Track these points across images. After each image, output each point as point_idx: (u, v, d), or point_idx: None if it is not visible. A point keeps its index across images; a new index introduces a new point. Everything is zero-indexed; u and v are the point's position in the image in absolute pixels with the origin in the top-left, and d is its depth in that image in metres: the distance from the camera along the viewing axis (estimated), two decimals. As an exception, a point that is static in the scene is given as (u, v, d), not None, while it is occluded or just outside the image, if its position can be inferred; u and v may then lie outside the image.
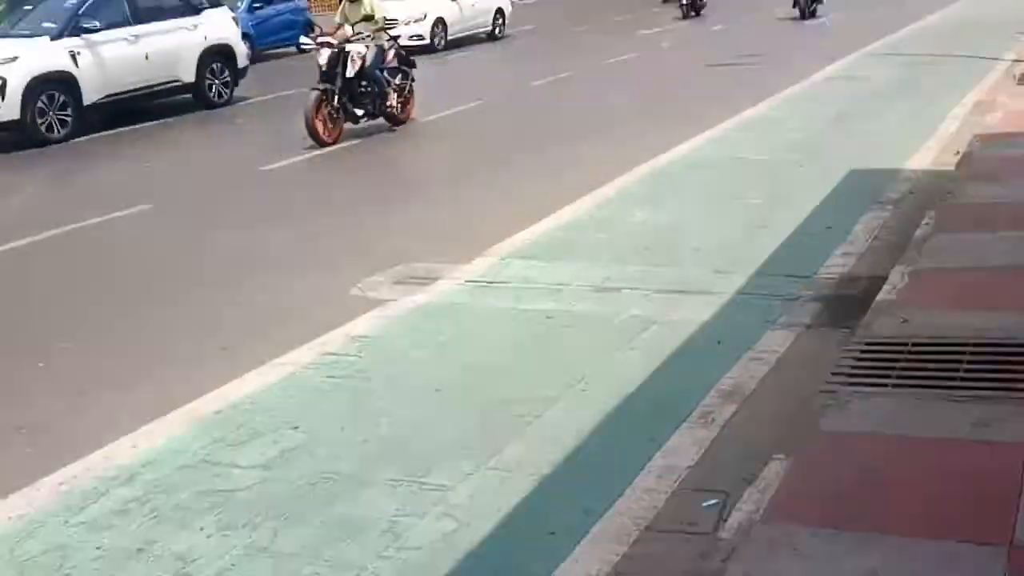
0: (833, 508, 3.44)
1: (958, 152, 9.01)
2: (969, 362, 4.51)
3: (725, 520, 3.63)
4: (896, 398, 4.24)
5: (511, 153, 11.75)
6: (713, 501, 4.02)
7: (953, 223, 6.64)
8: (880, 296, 5.52)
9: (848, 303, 6.09)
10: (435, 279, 7.29)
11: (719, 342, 5.76)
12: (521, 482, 4.33)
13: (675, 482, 4.24)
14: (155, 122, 15.88)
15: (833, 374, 4.62)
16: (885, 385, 4.40)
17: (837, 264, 6.89)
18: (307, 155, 12.29)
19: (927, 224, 6.69)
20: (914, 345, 4.77)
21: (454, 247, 7.95)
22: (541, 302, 6.62)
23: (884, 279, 5.97)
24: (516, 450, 4.62)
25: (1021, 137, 8.90)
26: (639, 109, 14.19)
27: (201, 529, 4.17)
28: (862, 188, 8.73)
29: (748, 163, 10.09)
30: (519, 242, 8.04)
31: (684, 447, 4.53)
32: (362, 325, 6.42)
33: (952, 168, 8.54)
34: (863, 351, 4.81)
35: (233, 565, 3.90)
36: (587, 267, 7.26)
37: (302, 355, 5.97)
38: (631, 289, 6.73)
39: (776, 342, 5.66)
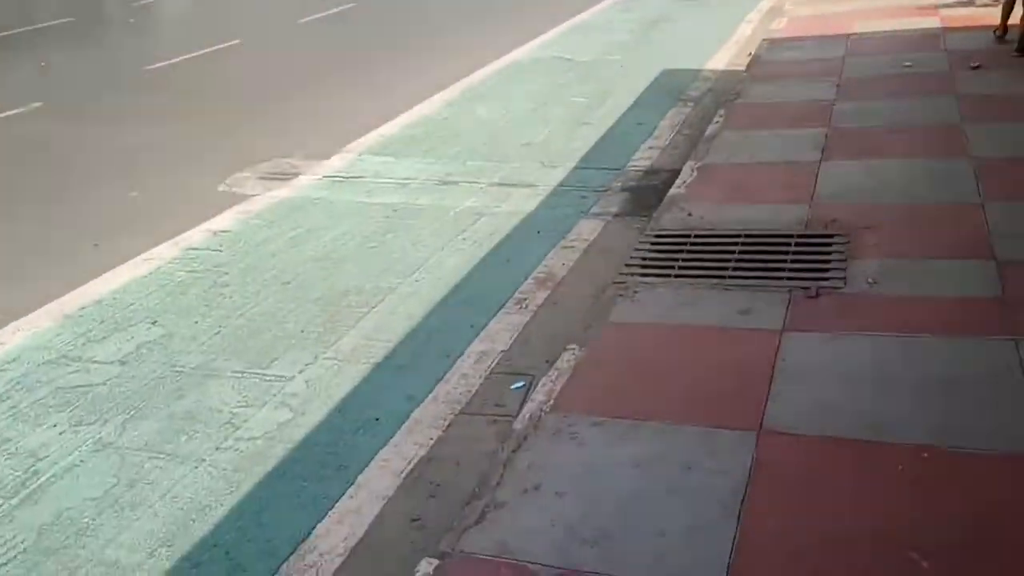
0: (612, 398, 3.22)
1: (750, 54, 8.74)
2: (740, 252, 4.31)
3: (523, 406, 3.38)
4: (676, 289, 4.01)
5: (377, 52, 10.97)
6: (520, 384, 3.76)
7: (738, 121, 6.39)
8: (671, 191, 5.26)
9: (650, 193, 5.83)
10: (297, 175, 6.71)
11: (538, 232, 5.43)
12: (353, 371, 3.99)
13: (489, 367, 3.96)
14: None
15: (626, 265, 4.36)
16: (668, 276, 4.17)
17: (644, 157, 6.60)
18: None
19: (717, 122, 6.43)
20: (696, 237, 4.53)
21: (320, 143, 7.37)
22: (390, 196, 6.16)
23: (680, 172, 5.73)
24: (352, 340, 4.25)
25: (800, 41, 8.64)
26: (489, 12, 13.41)
27: (55, 426, 3.71)
28: (670, 87, 8.39)
29: (577, 64, 9.59)
30: (376, 138, 7.48)
31: (500, 333, 4.24)
32: (225, 220, 5.85)
33: (744, 68, 8.28)
34: (652, 243, 4.56)
35: (81, 461, 3.47)
36: (432, 162, 6.79)
37: (167, 251, 5.40)
38: (468, 183, 6.32)
39: (587, 231, 5.37)
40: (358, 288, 4.78)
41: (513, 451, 2.95)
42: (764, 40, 8.86)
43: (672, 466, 2.79)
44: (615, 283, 4.17)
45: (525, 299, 4.57)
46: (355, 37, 12.32)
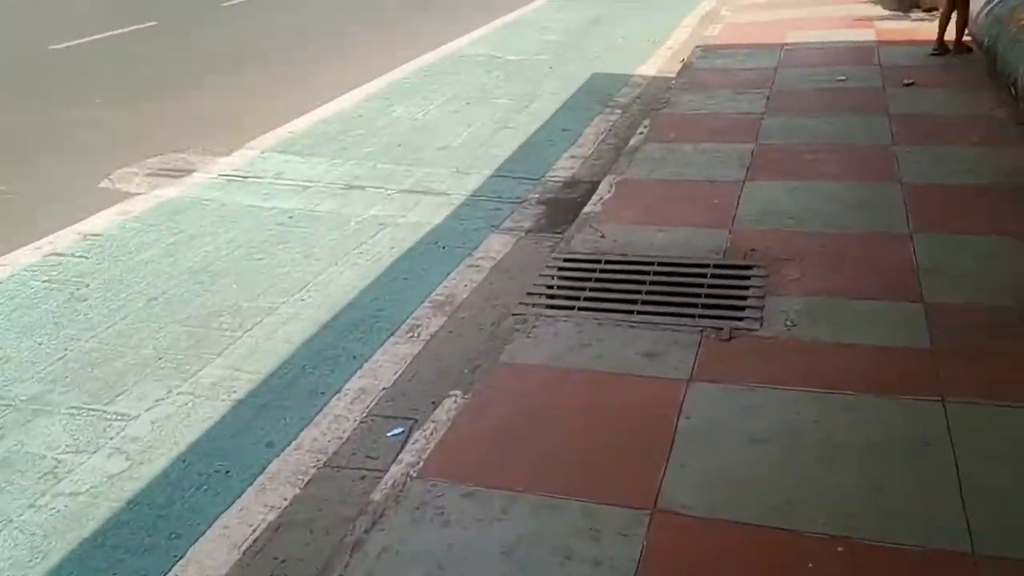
0: (491, 461, 2.74)
1: (683, 60, 8.35)
2: (651, 283, 3.87)
3: (389, 468, 2.87)
4: (579, 324, 3.55)
5: (300, 40, 10.32)
6: (399, 430, 3.27)
7: (664, 132, 5.96)
8: (586, 208, 4.80)
9: (567, 207, 5.37)
10: (191, 172, 6.10)
11: (443, 247, 4.93)
12: (210, 409, 3.44)
13: (367, 407, 3.45)
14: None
15: (528, 294, 3.89)
16: (572, 308, 3.71)
17: (564, 167, 6.14)
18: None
19: (642, 133, 6.00)
20: (606, 263, 4.08)
21: (223, 137, 6.76)
22: (288, 200, 5.59)
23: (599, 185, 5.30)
24: (215, 371, 3.70)
25: (733, 48, 8.28)
26: (426, 4, 12.83)
27: None
28: (599, 91, 7.96)
29: (506, 63, 9.09)
30: (284, 134, 6.90)
31: (384, 366, 3.73)
32: (99, 222, 5.22)
33: (675, 75, 7.87)
34: (560, 269, 4.09)
35: None
36: (340, 164, 6.24)
37: (26, 256, 4.77)
38: (375, 188, 5.79)
39: (496, 248, 4.89)
40: (234, 307, 4.22)
41: (366, 531, 2.45)
42: (697, 47, 8.47)
43: (548, 555, 2.32)
44: (513, 315, 3.69)
45: (419, 326, 4.07)
46: (280, 23, 11.64)
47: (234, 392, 3.55)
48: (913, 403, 2.90)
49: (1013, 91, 6.01)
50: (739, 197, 4.74)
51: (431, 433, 2.89)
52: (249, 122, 7.15)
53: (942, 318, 3.39)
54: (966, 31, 7.43)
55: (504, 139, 6.72)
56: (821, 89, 6.71)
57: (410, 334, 4.00)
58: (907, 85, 6.60)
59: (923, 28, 8.42)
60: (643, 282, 3.88)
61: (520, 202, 5.57)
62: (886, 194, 4.67)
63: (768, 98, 6.52)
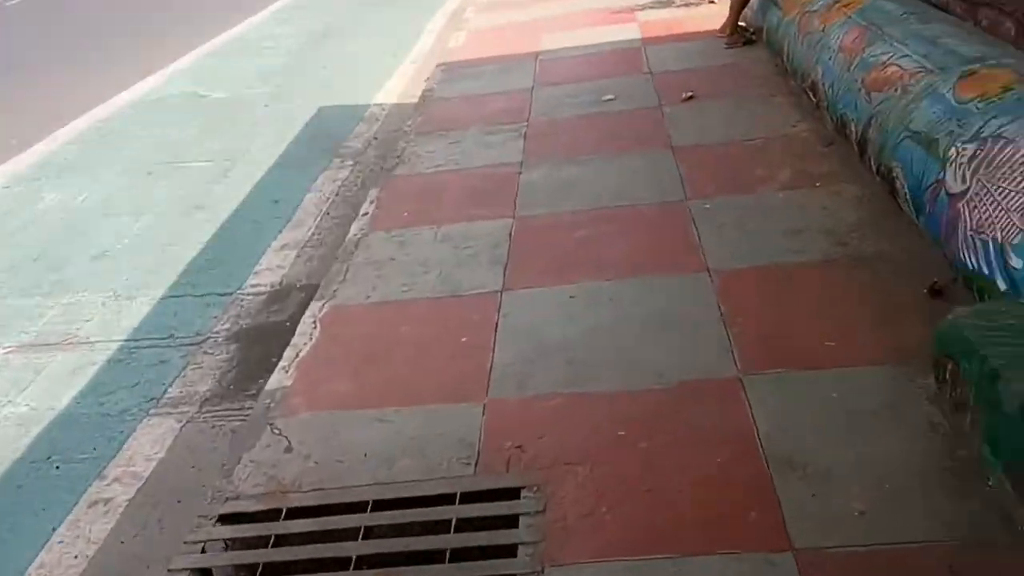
0: None
1: (427, 79, 6.71)
2: (358, 560, 2.24)
3: None
4: None
5: None
6: None
7: (393, 212, 4.25)
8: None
9: (271, 340, 3.63)
10: None
11: (58, 467, 3.06)
12: None
13: None
14: None
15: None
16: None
17: (272, 267, 4.35)
18: None
19: (366, 213, 4.31)
20: (287, 517, 2.40)
21: None
22: None
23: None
24: None
25: (480, 64, 6.71)
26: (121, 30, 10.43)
27: None
28: (326, 134, 6.17)
29: (209, 104, 7.08)
30: None
31: None
32: None
33: (417, 100, 6.23)
34: (211, 540, 2.36)
35: None
36: (-65, 309, 4.16)
37: None
38: (-21, 351, 3.80)
39: (145, 451, 3.07)
40: None
41: None
42: (439, 65, 6.85)
43: None
44: None
45: None
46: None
47: None
48: None
49: (812, 96, 4.85)
50: (496, 325, 3.17)
51: None
52: None
53: (826, 586, 1.99)
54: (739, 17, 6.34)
55: (193, 228, 4.83)
56: (588, 116, 5.26)
57: None
58: (687, 99, 5.32)
59: (689, 18, 7.26)
60: (346, 562, 2.23)
61: (200, 342, 3.77)
62: (692, 294, 3.23)
63: (525, 137, 4.99)
